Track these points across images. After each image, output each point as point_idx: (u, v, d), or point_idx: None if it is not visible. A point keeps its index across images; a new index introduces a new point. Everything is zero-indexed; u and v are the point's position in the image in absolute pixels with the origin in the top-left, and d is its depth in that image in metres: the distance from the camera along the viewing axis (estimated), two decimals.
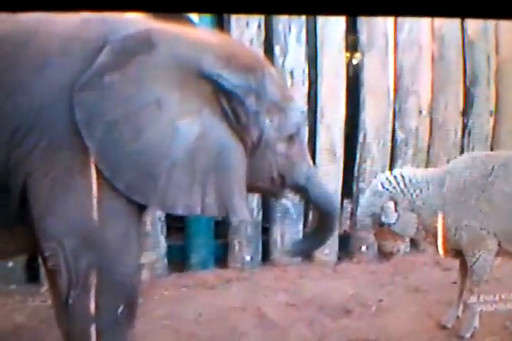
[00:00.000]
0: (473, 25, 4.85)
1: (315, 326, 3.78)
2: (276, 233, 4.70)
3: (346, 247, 4.88)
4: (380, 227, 3.51)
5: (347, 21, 4.63)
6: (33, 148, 2.45)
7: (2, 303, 3.94)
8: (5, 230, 2.60)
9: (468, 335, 3.57)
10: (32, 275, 4.16)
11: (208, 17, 4.25)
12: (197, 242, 4.57)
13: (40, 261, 3.33)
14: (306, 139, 3.29)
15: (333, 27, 4.58)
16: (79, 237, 2.53)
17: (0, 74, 2.46)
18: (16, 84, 2.47)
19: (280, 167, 2.86)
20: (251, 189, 2.87)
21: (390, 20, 4.66)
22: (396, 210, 3.47)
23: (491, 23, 4.83)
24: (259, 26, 4.44)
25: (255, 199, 4.50)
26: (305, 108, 4.54)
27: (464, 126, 5.08)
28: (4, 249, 2.76)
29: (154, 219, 4.35)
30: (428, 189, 3.51)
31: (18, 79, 2.47)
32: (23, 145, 2.45)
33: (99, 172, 2.47)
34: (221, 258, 4.67)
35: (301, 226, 4.72)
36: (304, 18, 4.50)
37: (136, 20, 2.61)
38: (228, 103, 2.64)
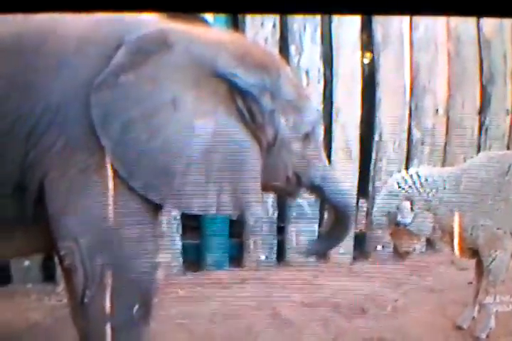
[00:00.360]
0: (489, 24, 4.82)
1: (330, 326, 3.77)
2: (291, 232, 4.69)
3: (362, 247, 4.86)
4: (396, 227, 3.49)
5: (362, 20, 4.61)
6: (50, 147, 2.47)
7: (18, 302, 3.96)
8: (21, 229, 2.62)
9: (484, 336, 3.54)
10: (48, 275, 4.18)
11: (222, 17, 4.25)
12: (212, 242, 4.57)
13: (56, 260, 3.35)
14: (321, 138, 3.27)
15: (348, 26, 4.57)
16: (95, 236, 2.54)
17: (17, 75, 2.49)
18: (32, 84, 2.49)
19: (295, 166, 2.86)
20: (266, 188, 2.87)
21: (405, 18, 4.63)
22: (412, 210, 3.46)
23: (507, 22, 4.79)
24: (274, 26, 4.43)
25: (270, 198, 4.50)
26: (320, 107, 4.53)
27: (481, 125, 5.04)
28: (20, 247, 2.78)
29: (170, 218, 4.36)
30: (444, 188, 3.49)
31: (34, 79, 2.49)
32: (40, 145, 2.47)
33: (115, 171, 2.48)
34: (236, 257, 4.66)
35: (316, 226, 4.71)
36: (318, 17, 4.49)
37: (151, 21, 2.63)
38: (243, 102, 2.65)
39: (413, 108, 4.84)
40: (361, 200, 4.92)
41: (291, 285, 4.34)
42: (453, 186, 3.49)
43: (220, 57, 2.59)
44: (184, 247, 4.52)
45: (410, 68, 4.75)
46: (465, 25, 4.80)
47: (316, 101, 4.41)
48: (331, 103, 4.66)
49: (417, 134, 4.87)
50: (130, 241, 2.60)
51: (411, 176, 3.51)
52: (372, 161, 4.82)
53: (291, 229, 4.69)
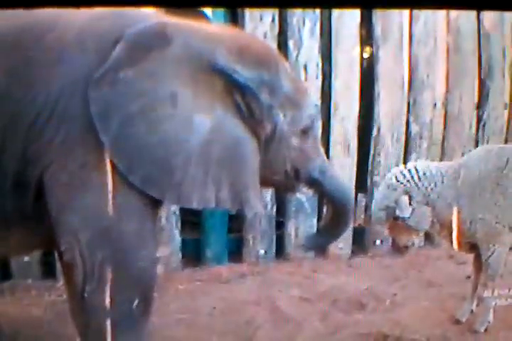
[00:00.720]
0: (489, 17, 4.82)
1: (329, 320, 3.78)
2: (290, 227, 4.70)
3: (360, 241, 4.88)
4: (395, 221, 3.49)
5: (362, 14, 4.61)
6: (50, 141, 2.47)
7: (19, 298, 3.96)
8: (21, 224, 2.62)
9: (482, 329, 3.55)
10: (48, 270, 4.18)
11: (221, 11, 4.25)
12: (211, 237, 4.58)
13: (56, 255, 3.35)
14: (319, 133, 3.28)
15: (347, 20, 4.56)
16: (95, 231, 2.54)
17: (17, 68, 2.48)
18: (33, 77, 2.48)
19: (294, 161, 2.86)
20: (265, 183, 2.87)
21: (405, 12, 4.63)
22: (410, 204, 3.46)
23: (507, 15, 4.79)
24: (273, 20, 4.43)
25: (269, 193, 4.50)
26: (319, 102, 4.53)
27: (479, 119, 5.06)
28: (21, 243, 2.78)
29: (169, 214, 4.36)
30: (442, 182, 3.49)
31: (35, 72, 2.48)
32: (40, 139, 2.47)
33: (114, 166, 2.47)
34: (235, 252, 4.67)
35: (315, 221, 4.71)
36: (318, 11, 4.48)
37: (150, 15, 2.62)
38: (241, 97, 2.64)
39: (411, 102, 4.85)
40: (360, 195, 4.93)
41: (290, 279, 4.35)
42: (451, 180, 3.49)
43: (218, 52, 2.58)
44: (183, 242, 4.52)
45: (409, 62, 4.75)
46: (465, 18, 4.80)
47: (315, 96, 4.41)
48: (330, 97, 4.66)
49: (415, 128, 4.88)
50: (130, 236, 2.59)
51: (409, 170, 3.51)
52: (371, 155, 4.83)
53: (290, 224, 4.70)
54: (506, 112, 5.07)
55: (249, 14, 4.39)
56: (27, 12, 2.48)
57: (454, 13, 4.73)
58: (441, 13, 4.74)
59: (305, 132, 2.85)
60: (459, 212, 3.44)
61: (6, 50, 2.49)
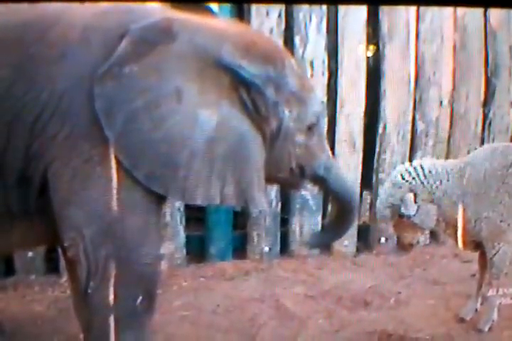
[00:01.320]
0: (496, 15, 4.80)
1: (333, 318, 3.78)
2: (295, 224, 4.69)
3: (365, 239, 4.87)
4: (400, 219, 3.48)
5: (368, 11, 4.59)
6: (54, 137, 2.46)
7: (22, 293, 3.97)
8: (25, 220, 2.62)
9: (486, 328, 3.55)
10: (52, 266, 4.18)
11: (227, 6, 4.24)
12: (216, 233, 4.57)
13: (59, 251, 3.35)
14: (325, 130, 3.27)
15: (354, 17, 4.55)
16: (99, 227, 2.53)
17: (22, 63, 2.48)
18: (37, 73, 2.48)
19: (299, 157, 2.85)
20: (270, 180, 2.86)
21: (411, 9, 4.62)
22: (416, 202, 3.45)
23: None
24: (279, 16, 4.41)
25: (274, 190, 4.50)
26: (325, 98, 4.53)
27: (485, 117, 5.05)
28: (24, 239, 2.77)
29: (173, 210, 4.36)
30: (448, 180, 3.48)
31: (39, 68, 2.48)
32: (44, 134, 2.47)
33: (118, 162, 2.47)
34: (240, 249, 4.67)
35: (320, 218, 4.71)
36: (324, 7, 4.47)
37: (156, 10, 2.61)
38: (247, 93, 2.63)
39: (417, 100, 4.84)
40: (365, 192, 4.93)
41: (295, 277, 4.34)
42: (456, 178, 3.48)
43: (224, 48, 2.57)
44: (188, 238, 4.52)
45: (415, 60, 4.74)
46: (472, 16, 4.79)
47: (321, 93, 4.40)
48: (336, 94, 4.65)
49: (421, 126, 4.87)
50: (134, 232, 2.59)
51: (415, 168, 3.50)
52: (376, 153, 4.82)
53: (295, 221, 4.69)
54: None
55: (256, 10, 4.38)
56: (30, 7, 2.47)
57: (460, 10, 4.71)
58: (448, 11, 4.72)
59: (310, 129, 2.84)
60: (464, 210, 3.44)
61: (9, 45, 2.48)
